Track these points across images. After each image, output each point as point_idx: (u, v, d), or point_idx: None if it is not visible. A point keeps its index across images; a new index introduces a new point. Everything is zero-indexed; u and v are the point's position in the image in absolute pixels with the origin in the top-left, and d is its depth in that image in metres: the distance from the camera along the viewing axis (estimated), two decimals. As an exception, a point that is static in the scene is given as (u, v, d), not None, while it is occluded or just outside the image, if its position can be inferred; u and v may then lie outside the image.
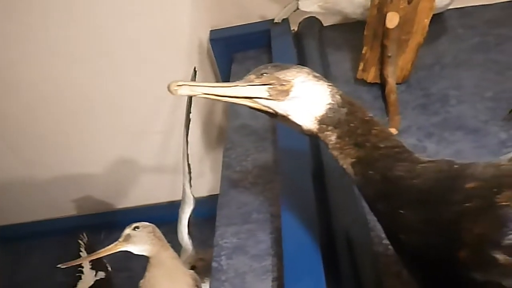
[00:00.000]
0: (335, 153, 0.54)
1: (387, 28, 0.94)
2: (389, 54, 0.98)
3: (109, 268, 1.44)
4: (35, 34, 1.41)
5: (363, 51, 1.02)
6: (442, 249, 0.42)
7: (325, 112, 0.54)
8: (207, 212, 1.08)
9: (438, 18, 1.18)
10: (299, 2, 1.16)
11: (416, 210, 0.46)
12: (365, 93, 1.06)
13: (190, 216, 1.13)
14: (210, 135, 1.69)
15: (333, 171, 0.83)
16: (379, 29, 0.97)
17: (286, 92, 0.54)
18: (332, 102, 0.54)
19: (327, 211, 0.78)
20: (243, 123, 1.09)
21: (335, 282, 0.68)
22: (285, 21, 1.28)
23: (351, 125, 0.53)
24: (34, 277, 1.83)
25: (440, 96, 1.01)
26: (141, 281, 0.95)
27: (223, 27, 1.37)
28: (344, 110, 0.54)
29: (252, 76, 0.56)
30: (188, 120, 1.14)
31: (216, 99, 0.55)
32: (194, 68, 1.24)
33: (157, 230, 0.94)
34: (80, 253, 1.45)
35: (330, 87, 0.55)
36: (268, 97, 0.54)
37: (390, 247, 0.53)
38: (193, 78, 1.22)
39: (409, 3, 0.93)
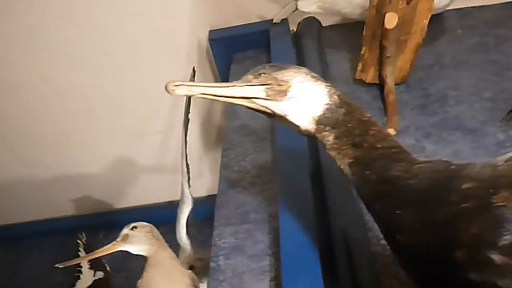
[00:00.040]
0: (333, 153, 0.54)
1: (386, 29, 0.94)
2: (388, 55, 0.98)
3: (108, 268, 1.44)
4: (34, 34, 1.41)
5: (362, 52, 1.03)
6: (438, 249, 0.42)
7: (322, 112, 0.54)
8: (206, 212, 1.08)
9: (437, 19, 1.18)
10: (298, 3, 1.16)
11: (413, 210, 0.46)
12: (364, 93, 1.06)
13: (189, 216, 1.13)
14: (209, 135, 1.69)
15: (331, 171, 0.83)
16: (378, 30, 0.97)
17: (283, 92, 0.54)
18: (330, 102, 0.54)
19: (325, 212, 0.78)
20: (242, 123, 1.09)
21: (332, 282, 0.68)
22: (284, 21, 1.28)
23: (349, 125, 0.53)
24: (33, 276, 1.83)
25: (439, 96, 1.01)
26: (139, 281, 0.95)
27: (222, 27, 1.37)
28: (342, 110, 0.54)
29: (250, 76, 0.56)
30: (186, 120, 1.14)
31: (213, 99, 0.55)
32: (193, 68, 1.24)
33: (155, 230, 0.94)
34: (79, 253, 1.45)
35: (328, 87, 0.55)
36: (266, 97, 0.55)
37: (388, 247, 0.53)
38: (192, 78, 1.22)
39: (407, 3, 0.93)
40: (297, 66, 0.58)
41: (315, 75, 0.57)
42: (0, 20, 1.38)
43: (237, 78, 0.57)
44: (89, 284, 1.36)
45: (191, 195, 1.12)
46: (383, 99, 1.01)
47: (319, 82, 0.56)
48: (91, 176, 1.81)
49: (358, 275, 0.68)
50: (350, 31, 1.23)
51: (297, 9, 1.18)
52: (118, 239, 0.89)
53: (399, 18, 0.93)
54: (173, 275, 0.94)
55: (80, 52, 1.45)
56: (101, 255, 0.92)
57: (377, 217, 0.51)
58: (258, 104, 0.55)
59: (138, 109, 1.60)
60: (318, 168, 0.86)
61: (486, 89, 1.00)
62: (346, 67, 1.15)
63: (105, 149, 1.73)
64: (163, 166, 1.73)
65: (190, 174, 1.13)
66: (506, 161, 0.43)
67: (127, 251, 0.93)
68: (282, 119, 0.56)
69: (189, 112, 1.15)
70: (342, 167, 0.54)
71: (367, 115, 0.54)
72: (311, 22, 1.28)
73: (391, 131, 0.93)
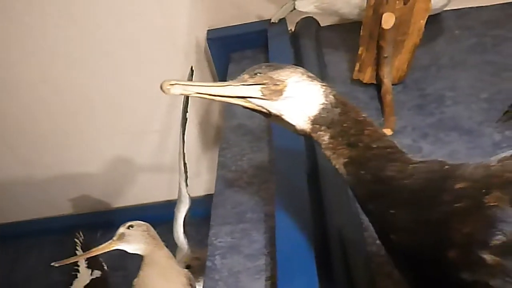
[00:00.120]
0: (328, 153, 0.54)
1: (383, 29, 0.94)
2: (385, 55, 0.98)
3: (105, 267, 1.44)
4: (34, 34, 1.41)
5: (359, 52, 1.03)
6: (432, 249, 0.43)
7: (318, 112, 0.54)
8: (203, 212, 1.08)
9: (435, 19, 1.18)
10: (296, 3, 1.16)
11: (407, 210, 0.46)
12: (361, 93, 1.06)
13: (186, 215, 1.13)
14: (207, 134, 1.70)
15: (328, 171, 0.83)
16: (375, 30, 0.97)
17: (279, 92, 0.54)
18: (326, 102, 0.54)
19: (321, 211, 0.78)
20: (239, 123, 1.09)
21: (328, 282, 0.69)
22: (283, 21, 1.28)
23: (344, 125, 0.53)
24: (32, 275, 1.83)
25: (436, 97, 1.01)
26: (135, 279, 0.95)
27: (220, 26, 1.37)
28: (338, 110, 0.54)
29: (246, 76, 0.56)
30: (184, 120, 1.14)
31: (209, 99, 0.55)
32: (191, 67, 1.24)
33: (151, 229, 0.94)
34: (76, 251, 1.45)
35: (324, 87, 0.55)
36: (262, 97, 0.55)
37: (383, 247, 0.53)
38: (190, 78, 1.22)
39: (405, 4, 0.93)
40: (293, 65, 0.58)
41: (311, 75, 0.57)
42: (0, 20, 1.38)
43: (235, 77, 0.57)
44: (86, 283, 1.36)
45: (189, 194, 1.12)
46: (380, 99, 1.01)
47: (315, 81, 0.56)
48: (89, 175, 1.81)
49: (353, 274, 0.69)
50: (348, 31, 1.23)
51: (294, 9, 1.18)
52: (114, 238, 0.90)
53: (396, 18, 0.93)
54: (169, 274, 0.94)
55: (79, 52, 1.45)
56: (97, 253, 0.92)
57: (371, 217, 0.51)
58: (254, 103, 0.55)
59: (137, 108, 1.60)
60: (314, 168, 0.86)
61: (483, 89, 1.00)
62: (344, 67, 1.15)
63: (103, 148, 1.73)
64: (161, 166, 1.73)
65: (188, 174, 1.14)
66: (499, 161, 0.43)
67: (124, 250, 0.93)
68: (278, 118, 0.56)
69: (187, 112, 1.15)
70: (337, 166, 0.54)
71: (363, 115, 0.54)
72: (309, 22, 1.28)
73: (388, 132, 0.94)
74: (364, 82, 1.07)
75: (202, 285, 0.90)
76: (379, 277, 0.69)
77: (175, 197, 1.16)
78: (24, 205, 1.94)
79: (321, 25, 1.30)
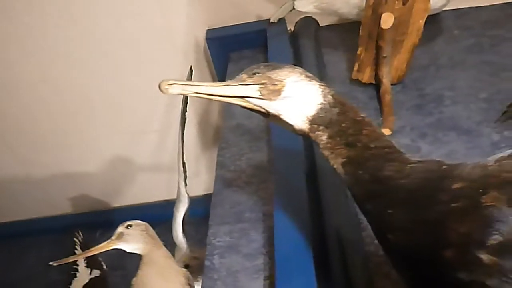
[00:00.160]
0: (326, 152, 0.54)
1: (382, 29, 0.95)
2: (384, 55, 0.98)
3: (104, 266, 1.44)
4: (34, 34, 1.41)
5: (358, 52, 1.03)
6: (429, 249, 0.43)
7: (316, 112, 0.54)
8: (203, 211, 1.08)
9: (434, 19, 1.18)
10: (295, 2, 1.16)
11: (404, 209, 0.46)
12: (360, 93, 1.07)
13: (185, 214, 1.13)
14: (206, 134, 1.70)
15: (326, 171, 0.83)
16: (374, 30, 0.97)
17: (277, 92, 0.54)
18: (324, 102, 0.54)
19: (319, 211, 0.78)
20: (238, 123, 1.09)
21: (326, 281, 0.69)
22: (282, 21, 1.28)
23: (343, 125, 0.53)
24: (30, 274, 1.83)
25: (435, 96, 1.01)
26: (134, 279, 0.95)
27: (219, 26, 1.37)
28: (336, 110, 0.54)
29: (244, 76, 0.56)
30: (183, 119, 1.14)
31: (207, 98, 0.55)
32: (190, 67, 1.24)
33: (150, 228, 0.94)
34: (76, 251, 1.45)
35: (322, 87, 0.55)
36: (260, 97, 0.55)
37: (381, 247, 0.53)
38: (189, 77, 1.22)
39: (404, 4, 0.93)
40: (292, 65, 0.58)
41: (310, 74, 0.57)
42: (0, 19, 1.38)
43: (234, 77, 0.57)
44: (85, 282, 1.36)
45: (188, 194, 1.12)
46: (379, 99, 1.02)
47: (313, 81, 0.56)
48: (88, 175, 1.81)
49: (351, 274, 0.69)
50: (348, 31, 1.24)
51: (293, 8, 1.18)
52: (113, 237, 0.90)
53: (395, 18, 0.93)
54: (167, 274, 0.94)
55: (78, 52, 1.46)
56: (95, 253, 0.92)
57: (369, 217, 0.51)
58: (252, 103, 0.55)
59: (136, 108, 1.60)
60: (313, 168, 0.86)
61: (481, 89, 1.00)
62: (343, 67, 1.15)
63: (103, 148, 1.73)
64: (160, 165, 1.73)
65: (187, 173, 1.14)
66: (496, 161, 0.43)
67: (123, 250, 0.93)
68: (276, 118, 0.56)
69: (186, 111, 1.15)
70: (335, 166, 0.54)
71: (361, 115, 0.54)
72: (308, 22, 1.28)
73: (387, 131, 0.94)
74: (363, 82, 1.07)
75: (200, 284, 0.90)
76: (377, 277, 0.69)
77: (174, 196, 1.16)
78: (23, 204, 1.94)
79: (321, 25, 1.30)
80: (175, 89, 0.51)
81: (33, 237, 1.96)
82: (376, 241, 0.55)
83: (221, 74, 1.36)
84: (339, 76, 1.13)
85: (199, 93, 0.53)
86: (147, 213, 1.55)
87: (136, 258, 0.96)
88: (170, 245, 1.10)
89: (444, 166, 0.47)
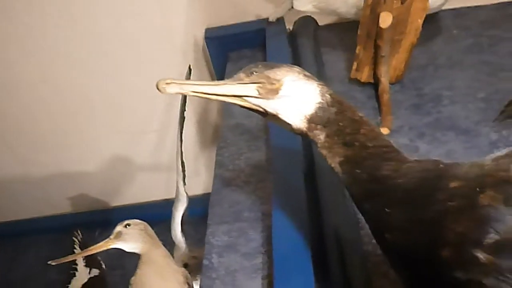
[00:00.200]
0: (324, 152, 0.54)
1: (380, 28, 0.95)
2: (383, 54, 0.98)
3: (103, 266, 1.44)
4: (34, 34, 1.42)
5: (357, 51, 1.03)
6: (426, 248, 0.43)
7: (314, 111, 0.54)
8: (202, 211, 1.08)
9: (433, 18, 1.18)
10: (294, 2, 1.16)
11: (401, 209, 0.46)
12: (359, 92, 1.07)
13: (184, 214, 1.13)
14: (205, 133, 1.70)
15: (324, 170, 0.83)
16: (373, 29, 0.97)
17: (275, 91, 0.54)
18: (322, 101, 0.54)
19: (318, 210, 0.79)
20: (237, 122, 1.09)
21: (324, 281, 0.69)
22: (281, 20, 1.29)
23: (340, 124, 0.53)
24: (29, 274, 1.83)
25: (433, 96, 1.01)
26: (132, 278, 0.95)
27: (218, 25, 1.37)
28: (334, 109, 0.54)
29: (242, 75, 0.56)
30: (182, 118, 1.14)
31: (205, 98, 0.55)
32: (189, 66, 1.24)
33: (149, 227, 0.94)
34: (75, 250, 1.45)
35: (320, 86, 0.55)
36: (258, 96, 0.55)
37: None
38: (188, 77, 1.22)
39: (402, 3, 0.93)
40: (290, 64, 0.58)
41: (308, 73, 0.57)
42: (0, 19, 1.38)
43: (232, 76, 0.57)
44: (84, 281, 1.36)
45: (186, 193, 1.13)
46: (377, 98, 1.02)
47: (311, 80, 0.56)
48: (87, 174, 1.81)
49: (350, 274, 0.68)
50: (346, 31, 1.24)
51: (292, 8, 1.18)
52: (112, 237, 0.90)
53: (393, 17, 0.93)
54: (166, 273, 0.94)
55: (77, 51, 1.46)
56: (94, 252, 0.92)
57: (366, 216, 0.51)
58: (250, 102, 0.55)
59: (135, 107, 1.60)
60: (311, 167, 0.86)
61: (480, 89, 1.00)
62: (342, 67, 1.15)
63: (102, 147, 1.73)
64: (159, 164, 1.73)
65: (186, 172, 1.14)
66: (494, 160, 0.43)
67: (122, 249, 0.93)
68: (274, 117, 0.56)
69: (184, 110, 1.15)
70: (333, 165, 0.54)
71: (359, 114, 0.54)
72: (307, 21, 1.28)
73: (385, 131, 0.94)
74: (362, 81, 1.07)
75: (199, 283, 0.90)
76: (375, 276, 0.69)
77: (173, 196, 1.16)
78: (22, 203, 1.94)
79: (320, 24, 1.30)
80: (173, 88, 0.51)
81: (32, 237, 1.96)
82: (374, 241, 0.56)
83: (220, 73, 1.36)
84: (337, 75, 1.13)
85: (197, 92, 0.54)
86: (146, 212, 1.56)
87: (135, 258, 0.97)
88: (169, 244, 1.11)
89: (441, 166, 0.47)
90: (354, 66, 1.05)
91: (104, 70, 1.49)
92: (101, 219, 1.80)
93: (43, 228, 1.94)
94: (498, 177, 0.41)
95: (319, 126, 0.54)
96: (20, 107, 1.61)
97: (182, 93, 0.53)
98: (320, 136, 0.54)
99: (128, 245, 0.90)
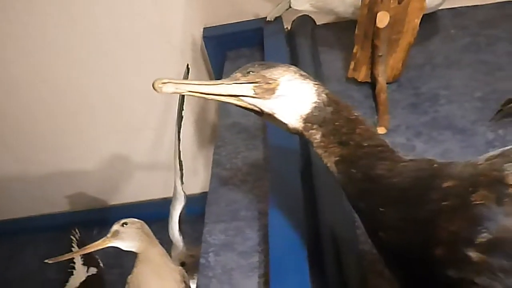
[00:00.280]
0: (320, 151, 0.55)
1: (378, 28, 0.95)
2: (380, 54, 0.98)
3: (101, 264, 1.44)
4: (33, 34, 1.42)
5: (354, 50, 1.03)
6: (420, 247, 0.43)
7: (310, 110, 0.54)
8: (200, 209, 1.08)
9: (430, 18, 1.19)
10: (291, 1, 1.16)
11: (395, 208, 0.46)
12: (356, 92, 1.07)
13: (182, 212, 1.14)
14: (203, 132, 1.70)
15: (321, 170, 0.83)
16: (370, 29, 0.98)
17: (272, 91, 0.55)
18: (318, 100, 0.54)
19: (314, 209, 0.79)
20: (234, 121, 1.09)
21: (320, 279, 0.69)
22: (279, 19, 1.28)
23: (336, 124, 0.54)
24: (26, 272, 1.83)
25: (430, 95, 1.01)
26: (129, 276, 0.95)
27: (216, 24, 1.37)
28: (330, 109, 0.54)
29: (238, 74, 0.56)
30: (180, 117, 1.14)
31: (201, 97, 0.55)
32: (187, 65, 1.24)
33: (146, 226, 0.94)
34: (72, 249, 1.45)
35: (316, 85, 0.55)
36: (254, 95, 0.55)
37: (374, 245, 0.53)
38: (186, 76, 1.22)
39: (399, 3, 0.93)
40: (286, 64, 0.58)
41: (304, 73, 0.57)
42: (0, 19, 1.38)
43: (229, 76, 0.57)
44: (82, 280, 1.36)
45: (184, 192, 1.13)
46: (374, 97, 1.02)
47: (307, 80, 0.56)
48: (85, 173, 1.81)
49: (345, 272, 0.69)
50: (344, 30, 1.24)
51: (290, 7, 1.18)
52: (109, 235, 0.90)
53: (390, 17, 0.94)
54: (163, 271, 0.94)
55: (76, 51, 1.46)
56: (91, 250, 0.92)
57: (361, 215, 0.52)
58: (246, 102, 0.56)
59: (133, 106, 1.60)
60: (308, 166, 0.86)
61: (477, 89, 1.00)
62: (339, 66, 1.16)
63: (100, 146, 1.73)
64: (158, 163, 1.74)
65: (183, 171, 1.14)
66: (487, 159, 0.43)
67: (119, 248, 0.93)
68: (270, 117, 0.56)
69: (182, 109, 1.15)
70: (328, 165, 0.54)
71: (355, 114, 0.55)
72: (305, 20, 1.28)
73: (382, 130, 0.94)
74: (359, 80, 1.07)
75: (196, 282, 0.91)
76: (371, 275, 0.70)
77: (171, 194, 1.16)
78: (20, 202, 1.93)
79: (317, 24, 1.30)
80: (169, 88, 0.51)
81: (30, 235, 1.96)
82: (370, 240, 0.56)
83: (218, 72, 1.37)
84: (335, 74, 1.13)
85: (193, 92, 0.54)
86: (144, 211, 1.56)
87: (133, 256, 0.97)
88: (166, 243, 1.11)
89: (436, 165, 0.47)
90: (352, 66, 1.06)
91: (103, 69, 1.50)
92: (99, 218, 1.80)
93: (41, 226, 1.94)
94: (491, 176, 0.41)
95: (315, 126, 0.54)
96: (19, 107, 1.61)
97: (178, 93, 0.53)
98: (316, 136, 0.54)
99: (125, 244, 0.90)
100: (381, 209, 0.47)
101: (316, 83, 0.56)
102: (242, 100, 0.56)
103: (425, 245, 0.42)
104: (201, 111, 1.63)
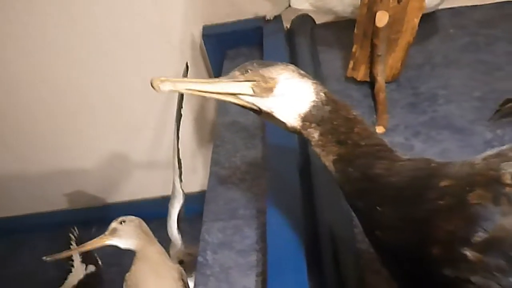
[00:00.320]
0: (318, 150, 0.55)
1: (377, 27, 0.95)
2: (379, 53, 0.98)
3: (100, 262, 1.44)
4: (33, 34, 1.42)
5: (353, 50, 1.03)
6: (417, 246, 0.43)
7: (309, 109, 0.54)
8: (199, 208, 1.08)
9: (430, 17, 1.19)
10: (291, 0, 1.16)
11: (392, 207, 0.46)
12: (355, 91, 1.07)
13: (180, 211, 1.14)
14: (203, 131, 1.70)
15: (319, 169, 0.83)
16: (369, 28, 0.98)
17: (270, 89, 0.55)
18: (316, 99, 0.54)
19: (312, 208, 0.79)
20: (233, 120, 1.09)
21: (317, 278, 0.69)
22: (278, 18, 1.29)
23: (334, 123, 0.54)
24: (25, 270, 1.83)
25: (429, 95, 1.01)
26: (127, 274, 0.95)
27: (216, 23, 1.37)
28: (328, 108, 0.54)
29: (237, 73, 0.56)
30: (179, 116, 1.14)
31: (199, 95, 0.55)
32: (186, 64, 1.24)
33: (144, 224, 0.94)
34: (71, 247, 1.45)
35: (315, 84, 0.55)
36: (252, 94, 0.55)
37: (372, 244, 0.53)
38: (185, 74, 1.22)
39: (398, 2, 0.94)
40: (285, 63, 0.58)
41: (302, 72, 0.57)
42: (0, 19, 1.38)
43: (228, 74, 0.57)
44: (80, 278, 1.37)
45: (183, 190, 1.13)
46: (373, 97, 1.02)
47: (306, 79, 0.56)
48: (84, 171, 1.81)
49: (343, 271, 0.69)
50: (343, 29, 1.23)
51: (289, 6, 1.18)
52: (107, 233, 0.90)
53: (390, 16, 0.94)
54: (161, 269, 0.94)
55: (76, 50, 1.46)
56: (89, 248, 0.92)
57: (359, 214, 0.52)
58: (244, 100, 0.55)
59: (132, 105, 1.60)
60: (307, 165, 0.87)
61: (475, 88, 1.00)
62: (338, 65, 1.16)
63: (99, 144, 1.73)
64: (156, 162, 1.74)
65: (182, 169, 1.14)
66: (484, 159, 0.43)
67: (118, 246, 0.93)
68: (268, 115, 0.56)
69: (181, 108, 1.15)
70: (326, 164, 0.54)
71: (353, 113, 0.55)
72: (304, 19, 1.28)
73: (381, 129, 0.94)
74: (358, 80, 1.07)
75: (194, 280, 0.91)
76: (368, 274, 0.70)
77: (169, 193, 1.16)
78: (18, 200, 1.94)
79: (317, 23, 1.30)
80: (167, 86, 0.51)
81: (28, 233, 1.95)
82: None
83: (217, 71, 1.37)
84: (334, 73, 1.13)
85: (191, 90, 0.54)
86: (142, 209, 1.56)
87: (132, 255, 0.97)
88: (165, 241, 1.11)
89: (433, 164, 0.47)
90: (351, 65, 1.06)
91: (103, 69, 1.50)
92: (98, 216, 1.79)
93: (39, 224, 1.94)
94: (488, 176, 0.41)
95: (313, 125, 0.54)
96: (19, 107, 1.61)
97: (176, 91, 0.53)
98: (314, 135, 0.54)
99: (123, 242, 0.90)
100: (378, 208, 0.47)
101: (314, 82, 0.56)
102: (240, 99, 0.55)
103: (422, 244, 0.42)
104: (200, 109, 1.63)
